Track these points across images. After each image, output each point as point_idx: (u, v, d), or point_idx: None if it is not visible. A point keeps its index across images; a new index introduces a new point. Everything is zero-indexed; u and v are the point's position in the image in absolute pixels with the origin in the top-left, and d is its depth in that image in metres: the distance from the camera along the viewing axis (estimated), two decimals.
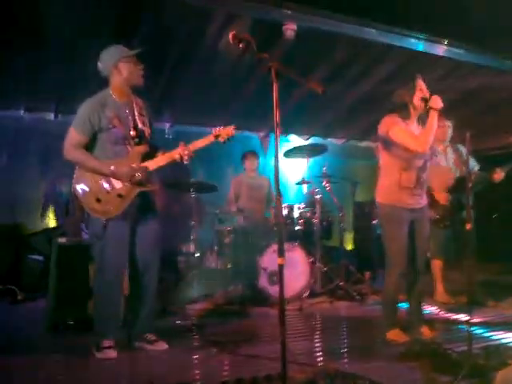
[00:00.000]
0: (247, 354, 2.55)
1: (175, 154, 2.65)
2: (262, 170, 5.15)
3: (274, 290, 3.76)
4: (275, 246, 3.88)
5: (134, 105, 2.68)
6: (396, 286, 2.82)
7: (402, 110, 2.73)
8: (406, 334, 2.81)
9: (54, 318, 3.04)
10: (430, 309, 3.57)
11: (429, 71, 4.52)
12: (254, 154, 4.73)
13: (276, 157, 1.60)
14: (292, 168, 5.48)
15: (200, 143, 2.70)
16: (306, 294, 3.89)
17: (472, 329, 2.88)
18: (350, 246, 5.20)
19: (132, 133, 2.60)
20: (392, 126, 2.68)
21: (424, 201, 2.84)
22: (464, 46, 4.14)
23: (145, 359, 2.55)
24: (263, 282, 3.76)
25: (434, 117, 2.63)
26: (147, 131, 2.71)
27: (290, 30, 3.50)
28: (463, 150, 3.85)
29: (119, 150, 2.59)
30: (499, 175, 3.58)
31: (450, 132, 3.83)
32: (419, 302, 2.92)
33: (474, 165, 3.79)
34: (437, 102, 2.62)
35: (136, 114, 2.66)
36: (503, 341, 2.76)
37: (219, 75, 4.23)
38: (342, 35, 3.76)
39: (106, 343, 2.54)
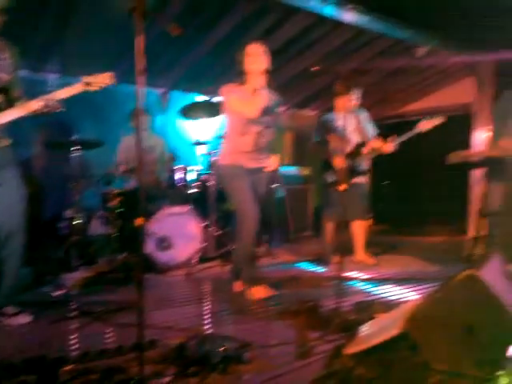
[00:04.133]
0: (123, 323, 2.39)
1: (33, 105, 2.28)
2: (159, 128, 4.84)
3: (162, 256, 3.60)
4: (167, 210, 3.71)
5: None
6: (251, 240, 2.81)
7: (242, 76, 2.81)
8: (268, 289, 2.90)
9: None
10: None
11: (331, 38, 4.53)
12: (142, 111, 4.31)
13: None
14: (191, 127, 5.23)
15: (64, 93, 2.33)
16: (196, 259, 3.78)
17: (346, 284, 3.07)
18: None
19: None
20: (226, 96, 2.82)
21: (264, 164, 2.97)
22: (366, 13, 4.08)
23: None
24: (150, 247, 3.56)
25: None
26: (3, 78, 2.30)
27: None
28: (363, 115, 3.92)
29: None
30: (388, 147, 3.66)
31: (355, 101, 3.83)
32: (251, 261, 2.94)
33: (372, 132, 3.89)
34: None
35: None
36: (376, 296, 2.93)
37: (116, 20, 3.72)
38: None
39: None
